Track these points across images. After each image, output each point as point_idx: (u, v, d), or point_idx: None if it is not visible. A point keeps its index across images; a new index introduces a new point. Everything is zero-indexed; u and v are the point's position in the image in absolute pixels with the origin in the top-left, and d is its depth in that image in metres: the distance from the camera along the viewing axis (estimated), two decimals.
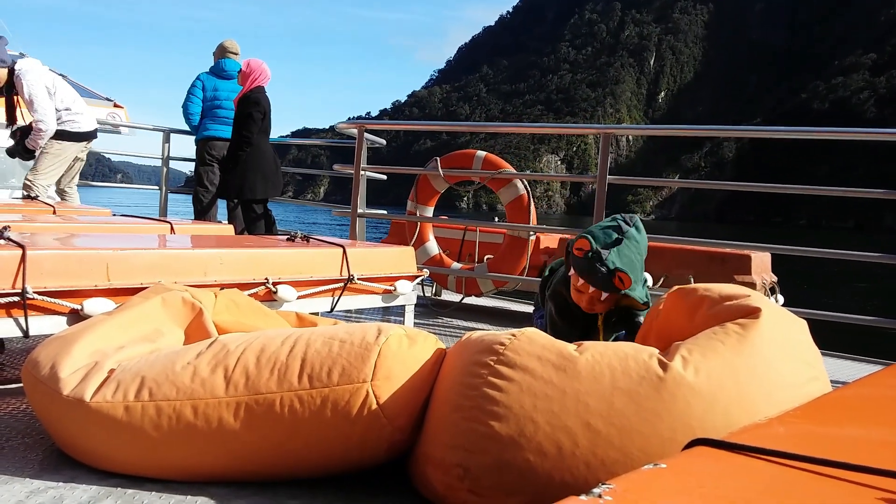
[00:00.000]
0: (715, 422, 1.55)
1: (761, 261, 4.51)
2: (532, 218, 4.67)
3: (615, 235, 2.26)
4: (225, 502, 1.70)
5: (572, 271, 2.33)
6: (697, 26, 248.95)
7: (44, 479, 1.79)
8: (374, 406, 1.72)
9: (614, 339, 2.51)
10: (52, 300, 2.34)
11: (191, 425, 1.74)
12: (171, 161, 7.04)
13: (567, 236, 4.97)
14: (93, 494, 1.72)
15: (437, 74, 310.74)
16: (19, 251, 2.31)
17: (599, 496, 0.85)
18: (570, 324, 2.52)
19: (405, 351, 1.81)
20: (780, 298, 4.64)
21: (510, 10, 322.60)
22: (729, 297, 1.86)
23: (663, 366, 1.62)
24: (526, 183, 4.75)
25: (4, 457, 1.94)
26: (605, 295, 2.29)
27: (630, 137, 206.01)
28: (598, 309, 2.41)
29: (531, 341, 1.70)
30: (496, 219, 5.17)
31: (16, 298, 2.28)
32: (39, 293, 2.31)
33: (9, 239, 2.42)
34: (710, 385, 1.58)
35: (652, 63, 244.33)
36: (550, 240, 5.03)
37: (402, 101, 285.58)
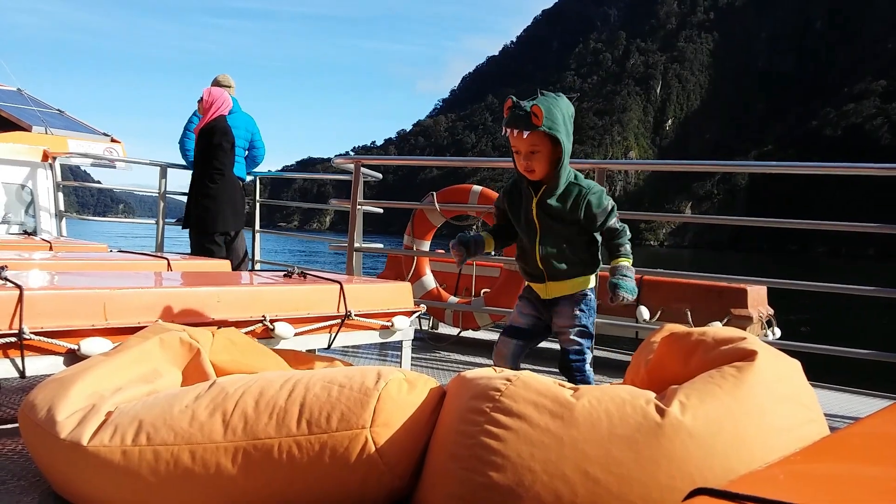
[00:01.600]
0: (713, 468, 1.55)
1: (758, 294, 4.53)
2: None
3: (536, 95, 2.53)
4: None
5: (506, 131, 2.51)
6: (703, 54, 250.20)
7: None
8: (373, 452, 1.71)
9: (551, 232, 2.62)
10: (49, 340, 2.33)
11: (188, 470, 1.73)
12: (168, 195, 7.05)
13: None
14: None
15: (441, 103, 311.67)
16: (16, 291, 2.31)
17: None
18: (509, 207, 2.72)
19: (405, 396, 1.81)
20: (777, 332, 4.66)
21: (514, 39, 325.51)
22: (724, 341, 1.87)
23: (661, 411, 1.62)
24: None
25: (1, 499, 1.92)
26: (527, 134, 2.44)
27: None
28: (535, 168, 2.52)
29: (527, 386, 1.70)
30: (492, 252, 5.18)
31: (12, 339, 2.27)
32: (36, 333, 2.30)
33: (6, 279, 2.42)
34: (708, 430, 1.58)
35: (658, 91, 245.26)
36: None
37: (408, 130, 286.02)
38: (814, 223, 4.18)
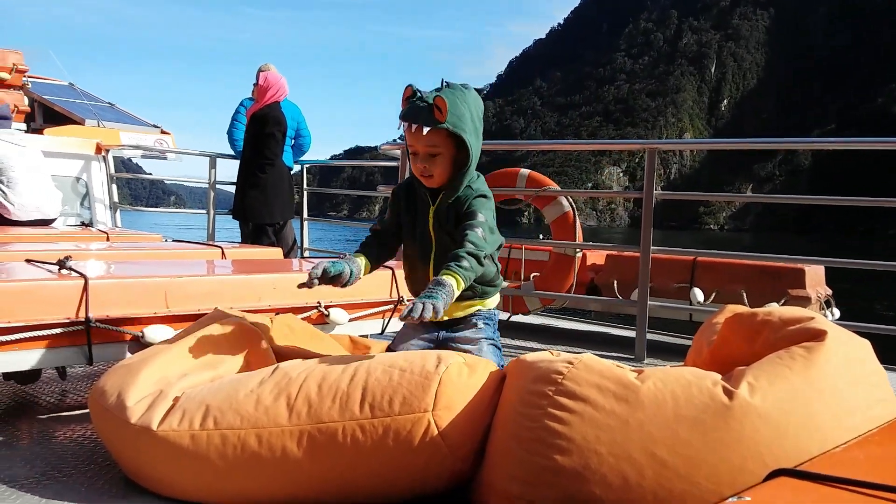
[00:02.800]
0: (785, 449, 1.51)
1: (815, 274, 4.42)
2: (578, 235, 4.65)
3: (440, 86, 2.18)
4: None
5: (403, 125, 2.16)
6: (759, 31, 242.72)
7: None
8: (436, 435, 1.72)
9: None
10: (114, 328, 2.40)
11: (255, 454, 1.76)
12: (218, 185, 7.16)
13: (614, 253, 4.94)
14: None
15: (488, 89, 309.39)
16: (82, 281, 2.38)
17: None
18: (404, 211, 2.31)
19: (465, 380, 1.81)
20: (836, 312, 4.54)
21: (561, 22, 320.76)
22: (792, 322, 1.83)
23: (728, 393, 1.59)
24: (570, 200, 4.73)
25: (72, 483, 1.98)
26: (426, 131, 2.06)
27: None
28: (434, 173, 2.15)
29: (589, 369, 1.69)
30: (541, 236, 5.15)
31: (80, 327, 2.34)
32: (101, 321, 2.37)
33: (71, 269, 2.48)
34: (778, 412, 1.55)
35: (713, 71, 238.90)
36: (597, 256, 5.00)
37: None
38: (883, 200, 4.05)
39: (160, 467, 1.86)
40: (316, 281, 2.11)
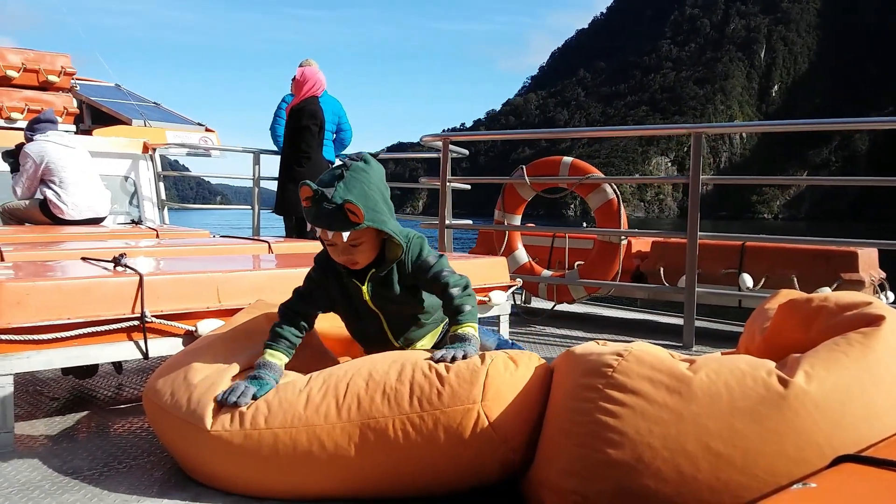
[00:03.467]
0: (844, 438, 1.48)
1: (868, 257, 4.31)
2: (623, 222, 4.60)
3: (339, 172, 1.95)
4: None
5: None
6: (809, 14, 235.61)
7: (171, 498, 1.87)
8: (487, 426, 1.73)
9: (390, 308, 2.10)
10: (169, 323, 2.45)
11: (307, 452, 1.78)
12: (262, 181, 7.25)
13: (660, 240, 4.88)
14: None
15: (529, 81, 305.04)
16: (136, 277, 2.43)
17: None
18: (326, 292, 2.15)
19: (511, 373, 1.83)
20: (891, 295, 4.42)
21: (603, 11, 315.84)
22: (848, 307, 1.79)
23: (784, 382, 1.56)
24: (615, 187, 4.68)
25: (131, 475, 2.03)
26: (347, 236, 1.94)
27: (744, 134, 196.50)
28: (359, 260, 2.02)
29: (640, 361, 1.67)
30: (584, 224, 5.11)
31: (135, 322, 2.40)
32: (157, 316, 2.42)
33: (126, 266, 2.54)
34: (836, 400, 1.52)
35: (762, 56, 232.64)
36: (643, 244, 4.94)
37: (497, 111, 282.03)
38: None
39: (214, 464, 1.90)
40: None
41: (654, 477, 1.51)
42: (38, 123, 5.20)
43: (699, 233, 4.04)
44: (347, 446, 1.77)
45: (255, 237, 4.72)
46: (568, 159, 4.78)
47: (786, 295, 2.14)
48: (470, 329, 1.99)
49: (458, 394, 1.76)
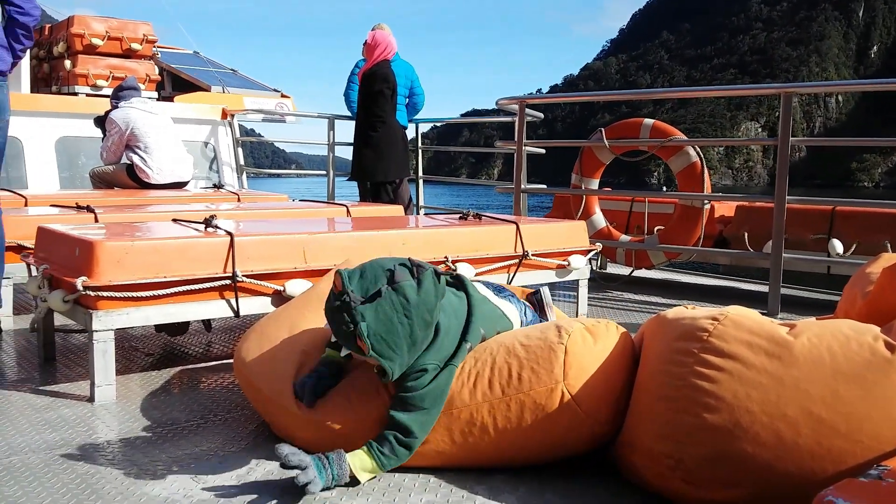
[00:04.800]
0: None
1: None
2: (706, 186, 4.47)
3: (383, 284, 1.66)
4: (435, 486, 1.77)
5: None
6: None
7: (267, 449, 1.93)
8: (572, 404, 1.72)
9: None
10: (258, 282, 2.51)
11: None
12: (337, 147, 7.32)
13: (745, 204, 4.73)
14: None
15: (608, 45, 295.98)
16: (228, 238, 2.50)
17: (880, 478, 0.80)
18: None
19: (591, 345, 1.80)
20: None
21: None
22: None
23: (891, 347, 1.50)
24: (698, 150, 4.55)
25: (227, 427, 2.11)
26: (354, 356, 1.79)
27: (840, 98, 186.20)
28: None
29: (737, 325, 1.62)
30: (664, 188, 4.99)
31: (227, 282, 2.47)
32: (247, 276, 2.49)
33: (217, 227, 2.61)
34: None
35: (861, 15, 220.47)
36: (726, 208, 4.80)
37: (575, 75, 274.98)
38: None
39: (300, 436, 1.89)
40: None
41: (753, 442, 1.48)
42: (122, 91, 5.36)
43: (787, 197, 3.90)
44: (436, 440, 1.78)
45: (334, 201, 4.78)
46: (649, 121, 4.66)
47: (889, 259, 2.05)
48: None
49: (538, 374, 1.75)
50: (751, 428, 1.49)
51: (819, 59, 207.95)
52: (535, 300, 2.38)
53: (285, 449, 1.62)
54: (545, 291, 2.39)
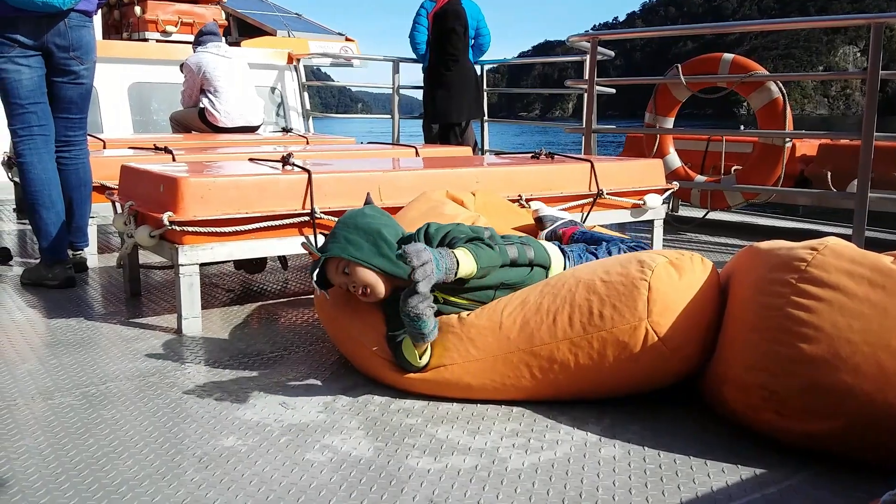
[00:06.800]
0: None
1: None
2: (788, 123, 4.29)
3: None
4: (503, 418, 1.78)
5: None
6: None
7: (350, 379, 1.97)
8: (656, 341, 1.67)
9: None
10: (335, 219, 2.52)
11: (480, 384, 1.80)
12: (402, 90, 7.28)
13: (828, 142, 4.53)
14: (398, 394, 1.86)
15: None
16: (305, 175, 2.52)
17: None
18: None
19: (675, 280, 1.73)
20: None
21: None
22: None
23: None
24: (781, 85, 4.35)
25: (309, 358, 2.16)
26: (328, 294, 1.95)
27: None
28: (371, 299, 1.89)
29: (838, 255, 1.56)
30: (742, 126, 4.82)
31: (306, 218, 2.49)
32: (325, 213, 2.51)
33: (294, 164, 2.63)
34: None
35: None
36: (808, 147, 4.61)
37: (655, 1, 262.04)
38: None
39: (380, 375, 1.94)
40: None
41: (852, 373, 1.43)
42: (201, 36, 5.42)
43: (875, 133, 3.72)
44: (512, 374, 1.77)
45: (402, 143, 4.77)
46: (728, 56, 4.47)
47: None
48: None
49: (621, 311, 1.70)
50: (851, 359, 1.44)
51: None
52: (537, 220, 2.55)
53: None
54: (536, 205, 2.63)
